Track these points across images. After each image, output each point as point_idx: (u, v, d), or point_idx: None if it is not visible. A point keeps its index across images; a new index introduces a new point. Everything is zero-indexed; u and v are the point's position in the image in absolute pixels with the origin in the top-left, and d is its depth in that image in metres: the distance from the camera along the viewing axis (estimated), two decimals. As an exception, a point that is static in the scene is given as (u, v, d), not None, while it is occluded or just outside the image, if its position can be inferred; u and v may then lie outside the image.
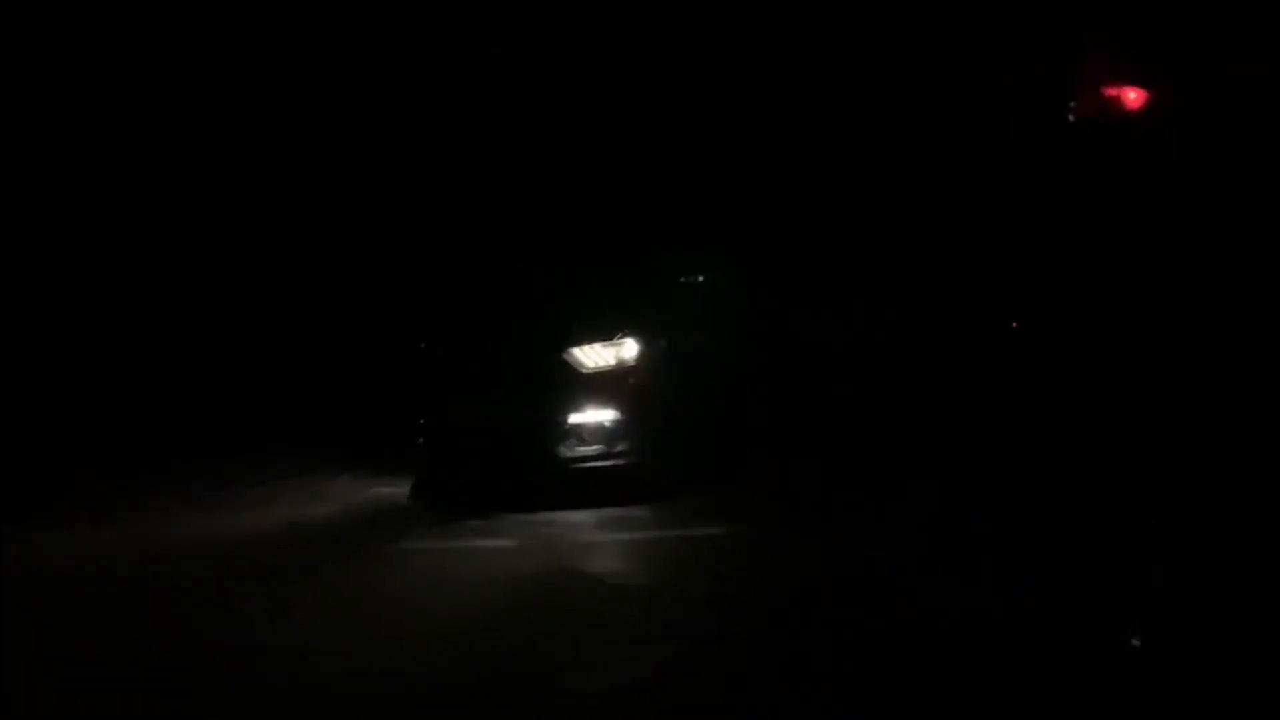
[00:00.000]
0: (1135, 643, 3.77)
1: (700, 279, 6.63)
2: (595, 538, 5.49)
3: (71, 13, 9.61)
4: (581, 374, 6.06)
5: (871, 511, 5.40)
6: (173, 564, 5.16)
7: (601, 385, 6.03)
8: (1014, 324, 8.93)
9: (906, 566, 4.41)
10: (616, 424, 5.99)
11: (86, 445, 7.76)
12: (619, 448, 5.99)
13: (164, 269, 9.65)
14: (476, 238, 8.12)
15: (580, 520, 5.74)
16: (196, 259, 9.71)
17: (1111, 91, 9.63)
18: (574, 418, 5.99)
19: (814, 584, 4.36)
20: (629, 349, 6.09)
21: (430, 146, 9.45)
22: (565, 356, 6.07)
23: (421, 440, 6.49)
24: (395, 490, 6.63)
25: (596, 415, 6.00)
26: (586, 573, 4.90)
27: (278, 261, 9.72)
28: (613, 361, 6.08)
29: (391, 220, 9.30)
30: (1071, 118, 10.09)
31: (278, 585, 4.78)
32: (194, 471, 7.32)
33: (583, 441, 5.99)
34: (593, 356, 6.08)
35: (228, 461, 7.55)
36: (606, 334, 6.10)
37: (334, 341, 9.09)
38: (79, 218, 9.43)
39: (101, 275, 9.44)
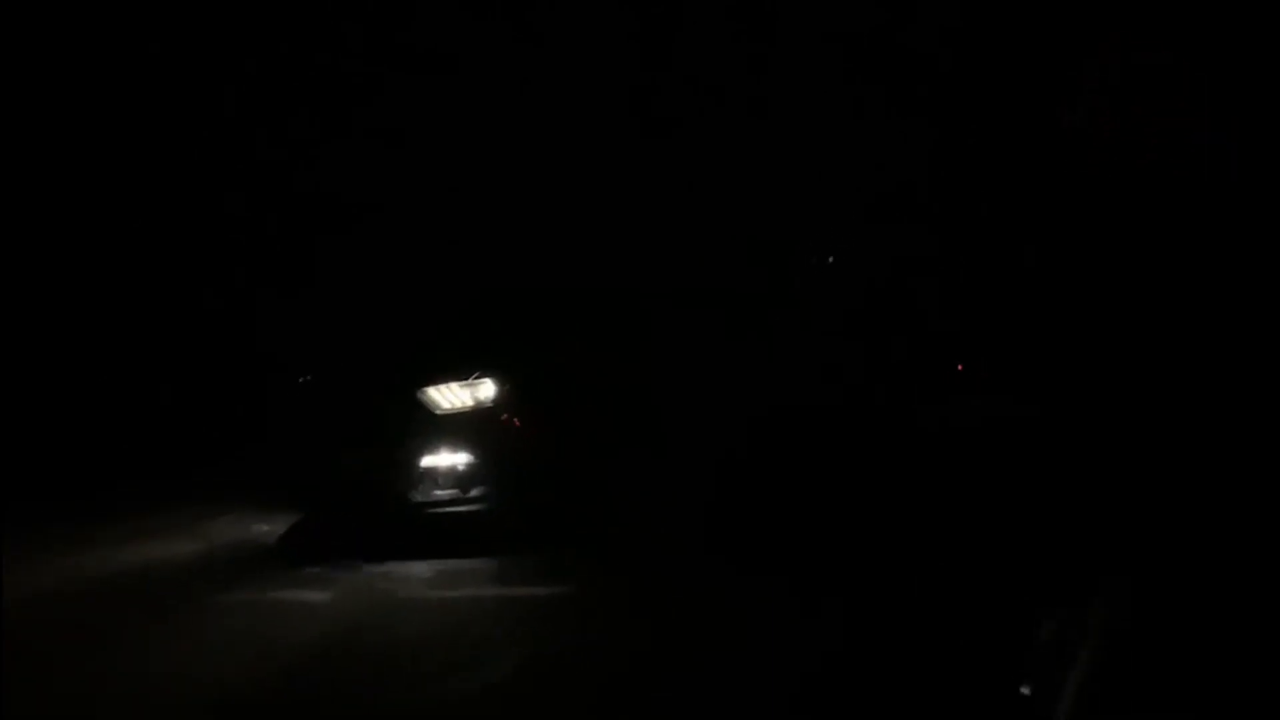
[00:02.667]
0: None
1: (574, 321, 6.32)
2: (419, 593, 5.17)
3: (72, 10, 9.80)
4: (436, 414, 5.77)
5: (723, 580, 5.00)
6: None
7: (457, 427, 5.73)
8: (959, 366, 8.44)
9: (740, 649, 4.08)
10: (471, 467, 5.69)
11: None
12: (473, 492, 5.68)
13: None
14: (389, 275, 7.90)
15: (417, 573, 5.44)
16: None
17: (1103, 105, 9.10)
18: (427, 460, 5.70)
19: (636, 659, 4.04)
20: (486, 389, 5.79)
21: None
22: (420, 396, 5.79)
23: (298, 481, 6.28)
24: (273, 530, 6.45)
25: (450, 458, 5.70)
26: (380, 633, 4.60)
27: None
28: (469, 402, 5.77)
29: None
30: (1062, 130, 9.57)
31: (66, 638, 4.63)
32: (78, 506, 7.24)
33: (436, 485, 5.70)
34: (449, 396, 5.78)
35: (124, 496, 7.48)
36: (463, 373, 5.80)
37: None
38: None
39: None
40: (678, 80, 10.83)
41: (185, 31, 10.01)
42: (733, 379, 7.01)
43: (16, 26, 9.37)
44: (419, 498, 5.70)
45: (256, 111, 10.32)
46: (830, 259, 10.40)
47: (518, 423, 5.78)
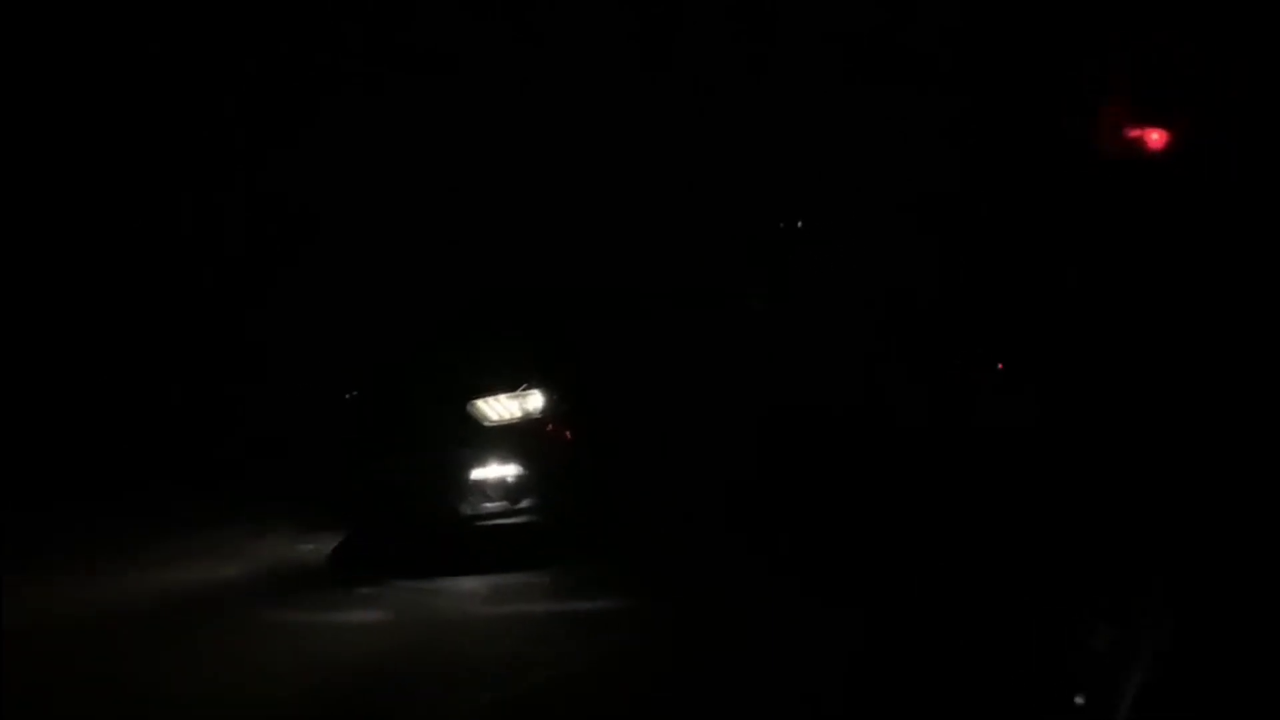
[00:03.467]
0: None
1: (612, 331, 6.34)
2: (476, 611, 5.16)
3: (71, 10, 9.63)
4: (485, 426, 5.78)
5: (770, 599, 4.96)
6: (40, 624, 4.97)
7: (506, 438, 5.75)
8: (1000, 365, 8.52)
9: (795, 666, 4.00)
10: (520, 479, 5.71)
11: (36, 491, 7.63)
12: (523, 504, 5.70)
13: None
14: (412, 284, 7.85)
15: (471, 589, 5.43)
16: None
17: (1135, 133, 9.18)
18: (476, 473, 5.71)
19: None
20: (535, 400, 5.81)
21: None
22: (470, 408, 5.80)
23: (343, 497, 6.25)
24: (319, 548, 6.40)
25: (500, 470, 5.72)
26: (435, 651, 4.48)
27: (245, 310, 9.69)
28: (518, 413, 5.80)
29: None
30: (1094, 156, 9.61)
31: (116, 657, 4.59)
32: (134, 520, 7.22)
33: (486, 498, 5.71)
34: (497, 408, 5.80)
35: (177, 511, 7.43)
36: (511, 384, 5.81)
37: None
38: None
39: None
40: (678, 80, 10.85)
41: (185, 31, 9.89)
42: (757, 384, 7.01)
43: (16, 26, 9.23)
44: (468, 510, 5.71)
45: (256, 111, 10.23)
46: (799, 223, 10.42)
47: (568, 434, 5.80)
